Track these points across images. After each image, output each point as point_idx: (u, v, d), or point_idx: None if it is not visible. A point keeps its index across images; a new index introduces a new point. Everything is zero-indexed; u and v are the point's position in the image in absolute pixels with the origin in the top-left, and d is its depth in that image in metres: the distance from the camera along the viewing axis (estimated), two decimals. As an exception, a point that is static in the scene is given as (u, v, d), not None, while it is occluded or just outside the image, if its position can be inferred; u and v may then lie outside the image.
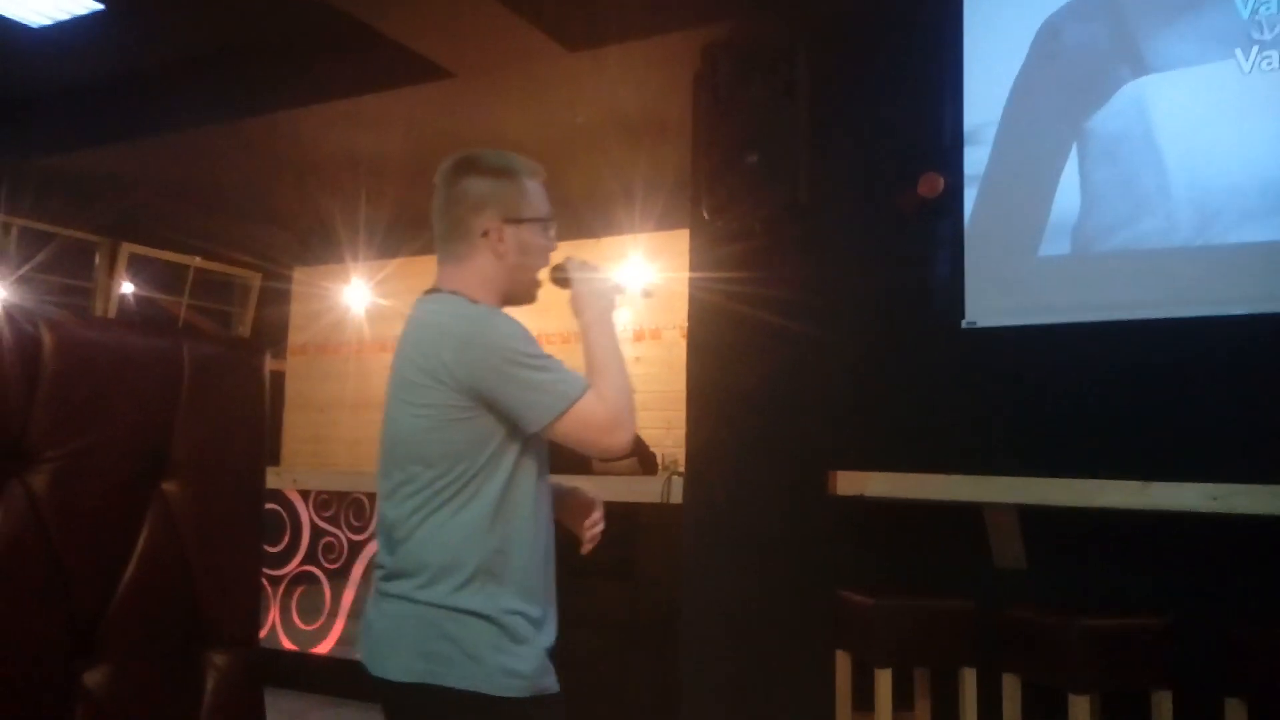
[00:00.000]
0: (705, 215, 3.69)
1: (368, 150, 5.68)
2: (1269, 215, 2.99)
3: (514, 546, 1.57)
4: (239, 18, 4.70)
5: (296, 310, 8.38)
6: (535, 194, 1.74)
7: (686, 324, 4.01)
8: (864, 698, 2.98)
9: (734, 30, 3.81)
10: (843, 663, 3.12)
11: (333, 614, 4.57)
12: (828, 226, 3.64)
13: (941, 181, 3.44)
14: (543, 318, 1.83)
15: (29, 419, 1.01)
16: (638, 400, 1.69)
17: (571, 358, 1.66)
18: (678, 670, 3.67)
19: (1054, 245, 3.30)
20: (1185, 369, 3.05)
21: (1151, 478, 2.75)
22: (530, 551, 1.60)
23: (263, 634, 4.59)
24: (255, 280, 8.17)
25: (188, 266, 7.67)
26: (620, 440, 1.61)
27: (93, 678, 1.05)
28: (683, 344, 4.12)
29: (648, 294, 1.86)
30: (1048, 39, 3.38)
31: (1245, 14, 3.07)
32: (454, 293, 1.67)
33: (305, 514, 4.70)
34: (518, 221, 1.70)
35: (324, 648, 4.57)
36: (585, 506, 1.80)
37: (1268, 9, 3.04)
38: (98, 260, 7.30)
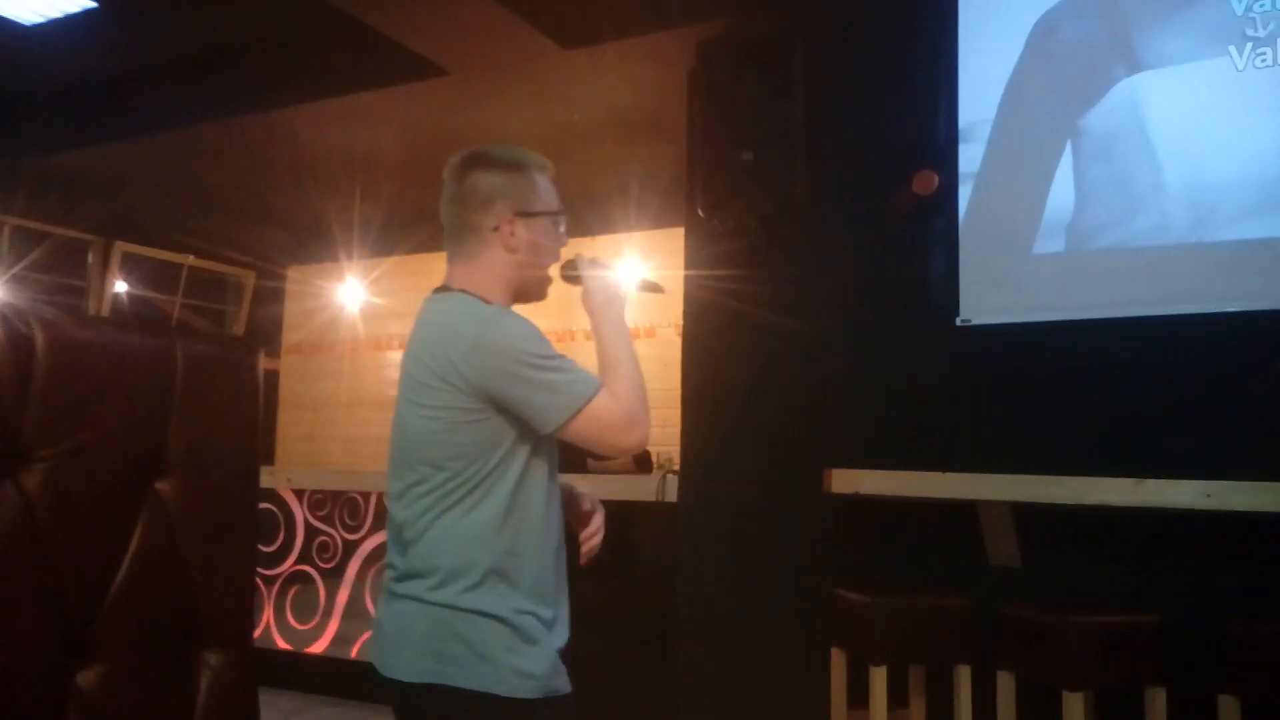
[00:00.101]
0: (701, 213, 3.69)
1: (362, 148, 5.68)
2: (1263, 212, 3.00)
3: (525, 547, 1.56)
4: (233, 16, 4.69)
5: (291, 309, 8.38)
6: (545, 188, 1.72)
7: (682, 322, 4.01)
8: (859, 695, 2.99)
9: (729, 28, 3.81)
10: (838, 660, 3.13)
11: (327, 613, 4.57)
12: (823, 224, 3.64)
13: (936, 179, 3.44)
14: (562, 317, 1.82)
15: (22, 418, 1.01)
16: None
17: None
18: (673, 668, 3.67)
19: (1048, 243, 3.30)
20: (1179, 366, 3.06)
21: (1146, 475, 2.75)
22: (541, 552, 1.59)
23: (257, 633, 4.59)
24: (249, 279, 8.16)
25: (181, 265, 7.66)
26: (635, 439, 1.60)
27: (86, 678, 1.04)
28: (678, 342, 4.12)
29: (657, 289, 1.83)
30: (1042, 36, 3.39)
31: (1239, 10, 3.08)
32: (463, 291, 1.64)
33: (299, 513, 4.70)
34: (529, 216, 1.68)
35: (318, 647, 4.57)
36: (584, 515, 1.78)
37: (1262, 6, 3.05)
38: (91, 259, 7.29)
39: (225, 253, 7.68)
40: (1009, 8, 3.45)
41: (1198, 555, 2.92)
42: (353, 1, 3.98)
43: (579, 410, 1.54)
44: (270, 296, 8.29)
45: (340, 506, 4.61)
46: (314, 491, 4.69)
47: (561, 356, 1.57)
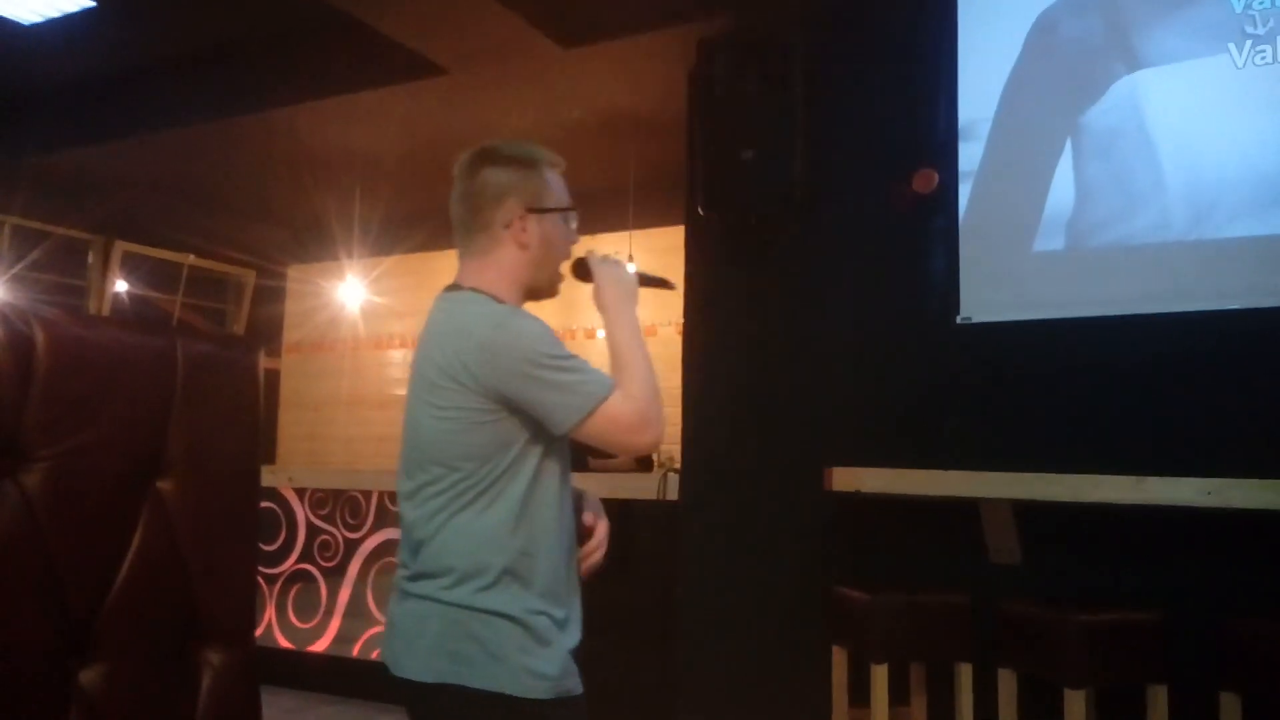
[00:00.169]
0: (701, 211, 3.69)
1: (362, 147, 5.68)
2: (1263, 209, 3.00)
3: (539, 547, 1.55)
4: (232, 15, 4.69)
5: (291, 308, 8.38)
6: (557, 185, 1.71)
7: (683, 320, 4.01)
8: (860, 693, 2.99)
9: (729, 26, 3.81)
10: (839, 658, 3.13)
11: (329, 612, 4.57)
12: (822, 222, 3.65)
13: (936, 177, 3.44)
14: (563, 315, 1.80)
15: (22, 418, 1.01)
16: None
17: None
18: (674, 666, 3.67)
19: (1048, 240, 3.30)
20: (1180, 364, 3.06)
21: (1146, 472, 2.75)
22: (555, 552, 1.58)
23: (259, 632, 4.58)
24: (250, 278, 8.16)
25: (182, 264, 7.65)
26: (649, 439, 1.59)
27: (87, 677, 1.05)
28: (679, 340, 4.12)
29: (668, 285, 1.81)
30: (1042, 34, 3.38)
31: (1239, 8, 3.07)
32: (475, 289, 1.63)
33: (301, 512, 4.70)
34: (540, 212, 1.67)
35: (320, 646, 4.57)
36: (585, 529, 1.74)
37: (1261, 3, 3.04)
38: (91, 258, 7.29)
39: (226, 252, 7.68)
40: (1008, 5, 3.45)
41: (1199, 553, 2.92)
42: (352, 1, 3.98)
43: (592, 410, 1.52)
44: (271, 296, 8.29)
45: (341, 505, 4.61)
46: (315, 490, 4.69)
47: (574, 356, 1.56)
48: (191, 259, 7.67)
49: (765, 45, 3.58)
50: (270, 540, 4.69)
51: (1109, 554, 3.05)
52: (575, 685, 1.56)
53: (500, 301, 1.62)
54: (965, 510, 3.13)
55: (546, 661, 1.52)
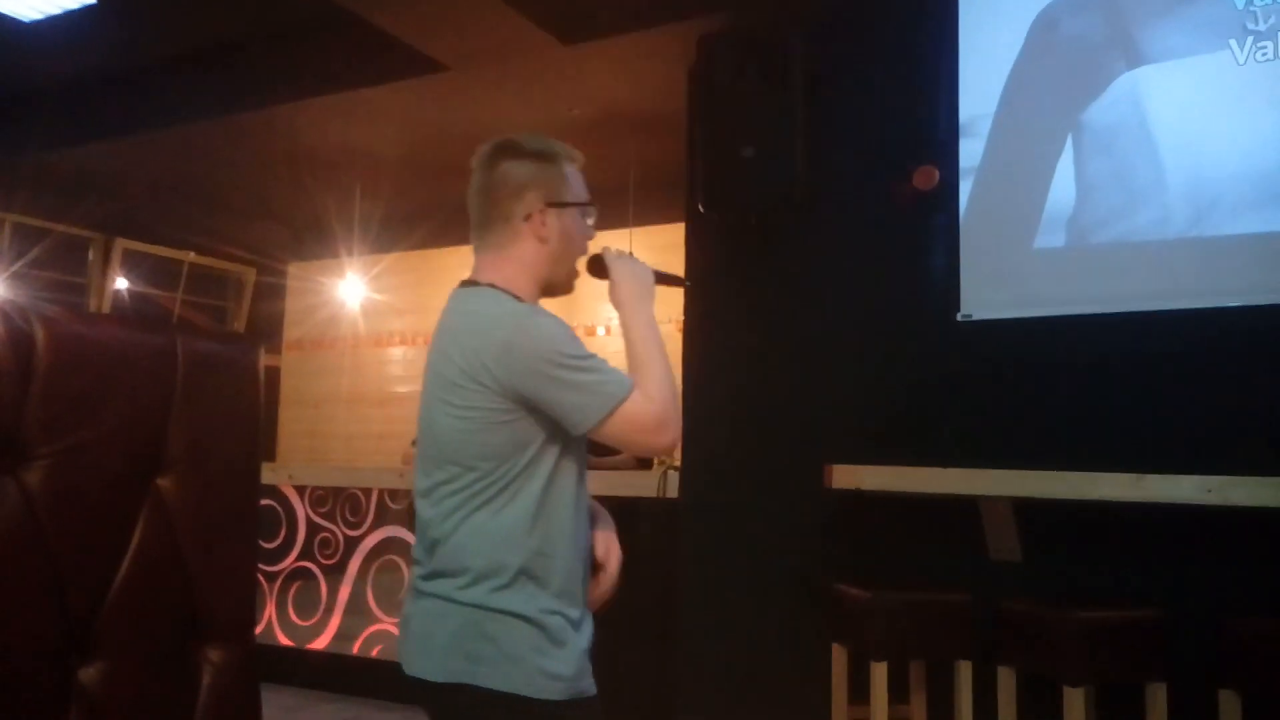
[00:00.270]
0: (701, 208, 3.69)
1: (362, 144, 5.68)
2: (1264, 206, 3.00)
3: (555, 547, 1.54)
4: (232, 12, 4.69)
5: (291, 305, 8.37)
6: (575, 179, 1.70)
7: (682, 317, 4.01)
8: (860, 690, 2.99)
9: (730, 23, 3.80)
10: (838, 656, 3.13)
11: (329, 609, 4.57)
12: (823, 220, 3.64)
13: (937, 174, 3.44)
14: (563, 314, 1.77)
15: (22, 415, 1.01)
16: None
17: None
18: (674, 664, 3.67)
19: (1049, 237, 3.30)
20: (1180, 361, 3.06)
21: (1147, 470, 2.75)
22: (571, 552, 1.57)
23: (259, 630, 4.59)
24: (250, 275, 8.15)
25: (182, 262, 7.65)
26: (667, 440, 1.58)
27: (87, 675, 1.04)
28: (679, 337, 4.12)
29: (681, 283, 1.79)
30: (1043, 30, 3.38)
31: (1240, 4, 3.07)
32: (492, 285, 1.62)
33: (301, 509, 4.70)
34: (560, 206, 1.66)
35: (320, 643, 4.57)
36: (596, 563, 1.69)
37: (1262, 0, 3.04)
38: (91, 256, 7.28)
39: (226, 249, 7.68)
40: (1009, 2, 3.45)
41: (1198, 550, 2.92)
42: (352, -2, 3.98)
43: (612, 411, 1.51)
44: (271, 293, 8.29)
45: (341, 503, 4.61)
46: (315, 488, 4.69)
47: (594, 356, 1.55)
48: (192, 256, 7.66)
49: (766, 43, 3.58)
50: (270, 538, 4.69)
51: (1109, 552, 3.05)
52: (589, 686, 1.55)
53: (518, 299, 1.60)
54: (965, 508, 3.13)
55: (561, 662, 1.51)
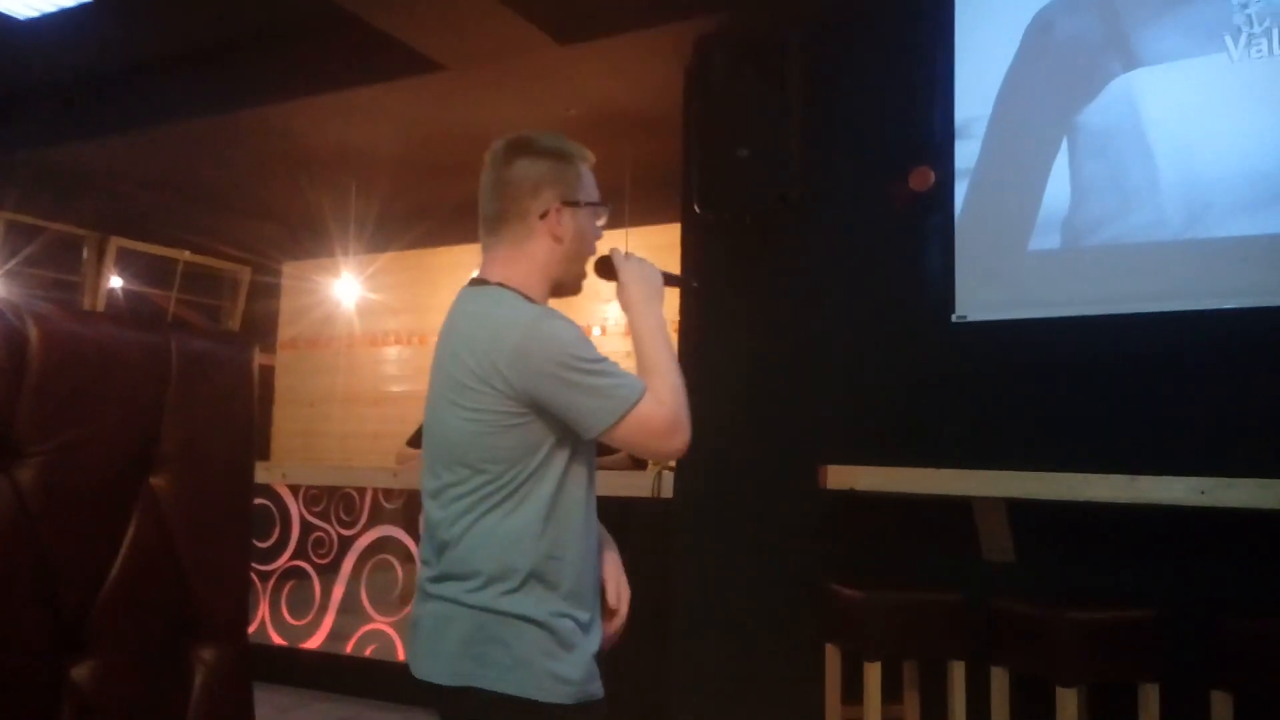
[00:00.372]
0: (697, 209, 3.69)
1: (358, 144, 5.67)
2: (1258, 208, 3.00)
3: (565, 550, 1.54)
4: (228, 10, 4.68)
5: (286, 304, 8.36)
6: (588, 179, 1.69)
7: (678, 318, 4.01)
8: (853, 690, 2.99)
9: (726, 24, 3.81)
10: (832, 656, 3.13)
11: (322, 609, 4.57)
12: (819, 220, 3.65)
13: (932, 175, 3.45)
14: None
15: (15, 413, 1.01)
16: None
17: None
18: (668, 664, 3.67)
19: (1044, 239, 3.31)
20: (1174, 363, 3.07)
21: (1140, 471, 2.76)
22: (581, 555, 1.57)
23: (252, 629, 4.58)
24: (245, 274, 8.14)
25: (177, 260, 7.64)
26: (679, 444, 1.58)
27: (80, 673, 1.04)
28: (673, 338, 4.12)
29: (688, 284, 1.78)
30: (1038, 33, 3.39)
31: (1235, 6, 3.08)
32: (502, 285, 1.61)
33: (295, 509, 4.70)
34: (576, 205, 1.65)
35: (314, 643, 4.57)
36: (607, 610, 1.68)
37: (1257, 2, 3.05)
38: (86, 254, 7.27)
39: (221, 248, 7.66)
40: (1005, 4, 3.46)
41: (1191, 551, 2.93)
42: (348, -4, 3.97)
43: (624, 415, 1.51)
44: (266, 292, 8.27)
45: (336, 502, 4.61)
46: (309, 487, 4.69)
47: (606, 359, 1.54)
48: (187, 255, 7.65)
49: (762, 43, 3.58)
50: (264, 537, 4.68)
51: (1102, 552, 3.05)
52: (597, 689, 1.55)
53: (530, 299, 1.60)
54: (959, 508, 3.13)
55: (571, 666, 1.51)
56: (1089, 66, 3.29)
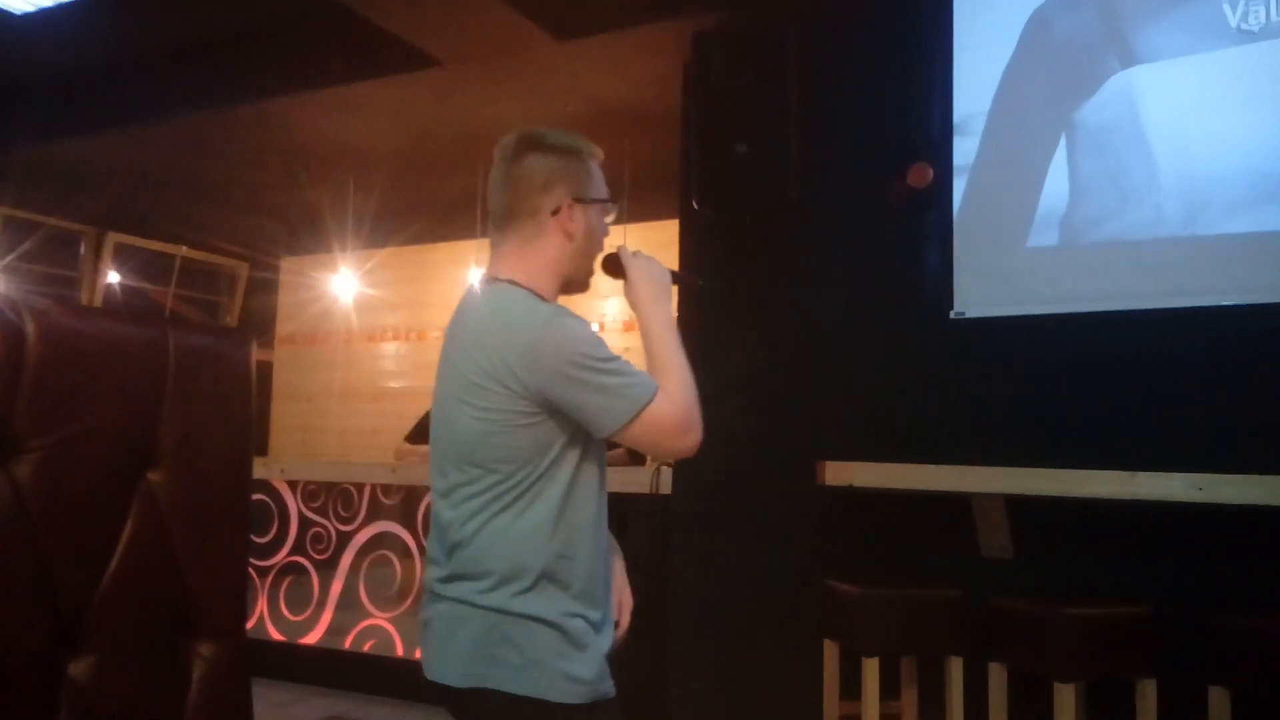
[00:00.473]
0: (695, 205, 3.69)
1: (356, 139, 5.66)
2: (1256, 206, 3.01)
3: (577, 550, 1.53)
4: (225, 6, 4.67)
5: (284, 300, 8.36)
6: (598, 175, 1.68)
7: (676, 314, 4.00)
8: (851, 686, 3.00)
9: (724, 20, 3.80)
10: (830, 652, 3.14)
11: (321, 604, 4.57)
12: (817, 217, 3.64)
13: (930, 172, 3.45)
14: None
15: (12, 408, 1.01)
16: None
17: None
18: (666, 660, 3.68)
19: (1042, 236, 3.31)
20: (1172, 360, 3.07)
21: (1138, 468, 2.76)
22: (593, 553, 1.56)
23: (250, 624, 4.58)
24: (243, 270, 8.14)
25: (174, 256, 7.63)
26: (691, 442, 1.56)
27: (78, 668, 1.04)
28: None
29: (694, 282, 1.77)
30: (1037, 30, 3.39)
31: (1232, 4, 3.08)
32: (513, 282, 1.59)
33: (293, 504, 4.69)
34: (587, 202, 1.65)
35: (312, 638, 4.57)
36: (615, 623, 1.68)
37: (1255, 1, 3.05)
38: (83, 250, 7.26)
39: (218, 243, 7.65)
40: (1003, 1, 3.45)
41: (1189, 548, 2.93)
42: (346, -8, 3.96)
43: (637, 415, 1.50)
44: (264, 287, 8.27)
45: (334, 498, 4.61)
46: (307, 483, 4.69)
47: (618, 358, 1.53)
48: (184, 250, 7.64)
49: (760, 39, 3.58)
50: (262, 532, 4.68)
51: (1100, 548, 3.06)
52: (610, 688, 1.55)
53: (540, 296, 1.59)
54: (957, 505, 3.14)
55: (583, 666, 1.51)
56: (1087, 63, 3.29)
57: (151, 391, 1.13)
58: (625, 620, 1.71)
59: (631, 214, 6.07)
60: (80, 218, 7.05)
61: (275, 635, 4.64)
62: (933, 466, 3.04)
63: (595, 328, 1.85)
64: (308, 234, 7.64)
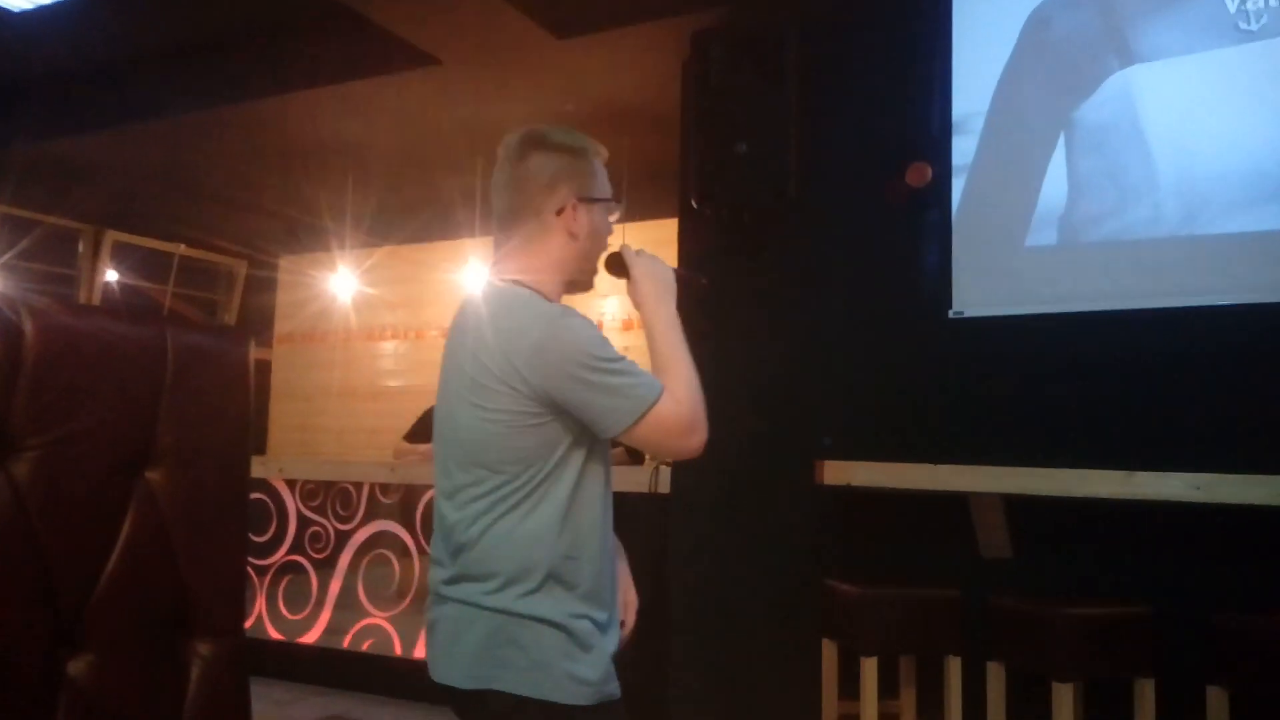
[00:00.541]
0: (694, 204, 3.68)
1: (354, 138, 5.65)
2: (1255, 205, 3.01)
3: (583, 550, 1.53)
4: (224, 4, 4.66)
5: (282, 298, 8.35)
6: (602, 174, 1.67)
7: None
8: (850, 686, 3.00)
9: (724, 18, 3.80)
10: (829, 651, 3.14)
11: (319, 603, 4.57)
12: (816, 215, 3.64)
13: (929, 171, 3.44)
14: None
15: (11, 407, 1.00)
16: None
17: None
18: (664, 659, 3.67)
19: (1041, 235, 3.31)
20: (1171, 359, 3.07)
21: (1136, 468, 2.76)
22: (599, 554, 1.56)
23: (249, 623, 4.58)
24: (241, 268, 8.13)
25: (172, 254, 7.62)
26: (697, 442, 1.56)
27: (76, 667, 1.04)
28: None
29: (700, 282, 1.76)
30: (1036, 29, 3.38)
31: (1232, 3, 3.08)
32: (517, 282, 1.59)
33: (291, 503, 4.69)
34: (592, 201, 1.64)
35: (310, 637, 4.57)
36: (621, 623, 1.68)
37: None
38: (81, 248, 7.25)
39: (217, 242, 7.65)
40: (1002, 0, 3.45)
41: (1187, 547, 2.93)
42: (345, -10, 3.96)
43: (643, 415, 1.49)
44: (262, 286, 8.26)
45: (332, 497, 4.60)
46: (306, 481, 4.69)
47: (624, 358, 1.53)
48: (182, 249, 7.64)
49: (760, 38, 3.57)
50: (261, 531, 4.68)
51: (1099, 548, 3.06)
52: (615, 689, 1.55)
53: (545, 297, 1.58)
54: (956, 504, 3.14)
55: (589, 667, 1.51)
56: (1086, 62, 3.29)
57: (150, 390, 1.13)
58: (631, 620, 1.71)
59: (630, 212, 6.06)
60: (78, 216, 7.04)
61: (274, 634, 4.64)
62: (931, 466, 3.03)
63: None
64: (306, 232, 7.63)
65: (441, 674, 1.55)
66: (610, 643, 1.57)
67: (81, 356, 1.07)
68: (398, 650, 4.33)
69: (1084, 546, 3.08)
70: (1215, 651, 2.59)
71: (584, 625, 1.52)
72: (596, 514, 1.56)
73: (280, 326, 8.34)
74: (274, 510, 4.71)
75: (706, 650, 3.64)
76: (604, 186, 1.68)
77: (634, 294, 1.68)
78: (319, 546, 4.61)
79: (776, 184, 3.51)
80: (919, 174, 3.45)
